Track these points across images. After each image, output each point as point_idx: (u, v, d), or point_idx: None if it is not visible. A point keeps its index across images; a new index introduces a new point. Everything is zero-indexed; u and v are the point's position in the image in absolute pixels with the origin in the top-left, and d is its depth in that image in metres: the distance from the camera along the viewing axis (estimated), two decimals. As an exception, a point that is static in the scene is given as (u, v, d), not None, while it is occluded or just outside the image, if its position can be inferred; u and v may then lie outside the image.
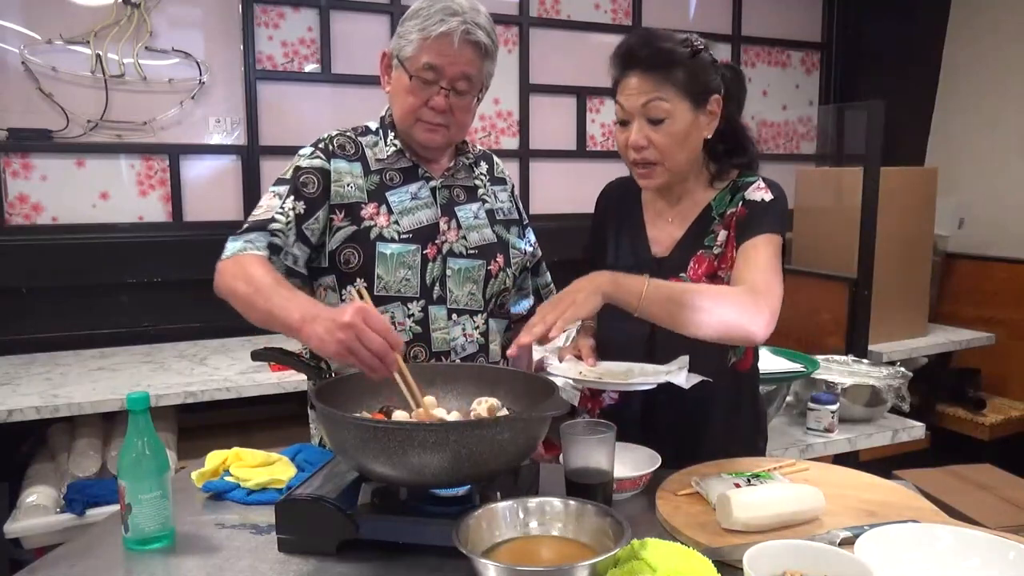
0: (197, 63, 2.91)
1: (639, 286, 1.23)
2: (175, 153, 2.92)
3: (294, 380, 2.39)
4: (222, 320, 2.80)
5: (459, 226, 1.49)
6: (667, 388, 1.25)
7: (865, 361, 2.46)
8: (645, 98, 1.31)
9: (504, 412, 1.17)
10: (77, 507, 2.16)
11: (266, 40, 3.03)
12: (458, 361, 1.46)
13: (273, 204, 1.38)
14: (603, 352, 1.43)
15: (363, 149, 1.47)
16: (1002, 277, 3.58)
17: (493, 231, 1.53)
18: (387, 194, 1.45)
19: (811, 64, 4.21)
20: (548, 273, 1.72)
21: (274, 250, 1.34)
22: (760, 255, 1.30)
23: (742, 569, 0.86)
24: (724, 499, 1.07)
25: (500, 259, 1.52)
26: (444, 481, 1.03)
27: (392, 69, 1.44)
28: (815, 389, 2.25)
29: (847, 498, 1.17)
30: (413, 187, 1.47)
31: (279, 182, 1.42)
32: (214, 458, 1.29)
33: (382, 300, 1.41)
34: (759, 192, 1.37)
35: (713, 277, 1.37)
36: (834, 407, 2.15)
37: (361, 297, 1.22)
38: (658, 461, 1.25)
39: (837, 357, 2.46)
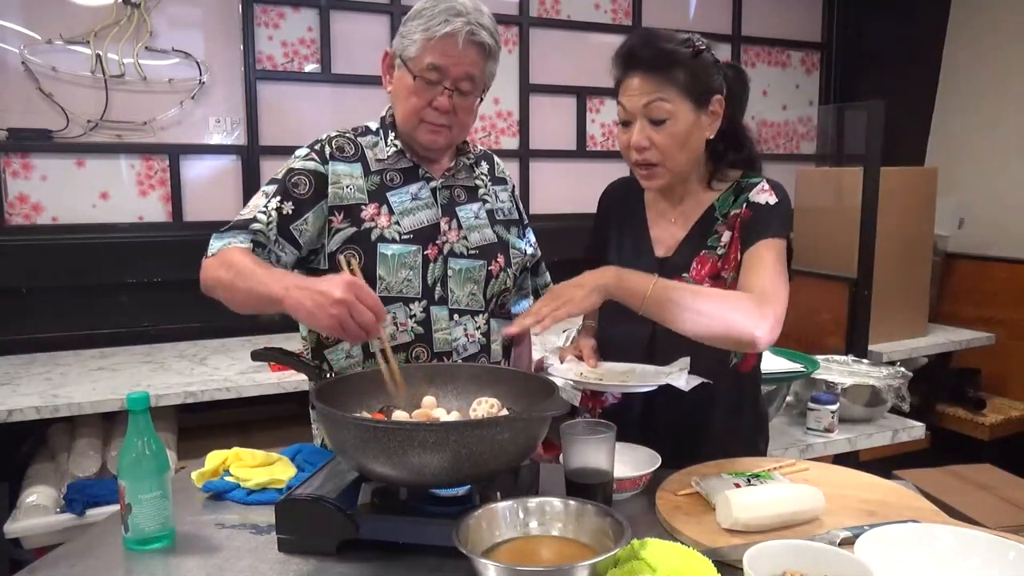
0: (197, 63, 2.91)
1: (644, 285, 1.23)
2: (175, 153, 2.92)
3: (294, 380, 2.38)
4: (222, 320, 2.81)
5: (460, 226, 1.48)
6: (668, 389, 1.25)
7: (865, 361, 2.46)
8: (647, 99, 1.31)
9: (504, 412, 1.17)
10: (77, 507, 2.15)
11: (266, 40, 3.03)
12: (459, 361, 1.45)
13: (258, 203, 1.39)
14: (604, 352, 1.43)
15: (363, 150, 1.47)
16: (1002, 277, 3.58)
17: (494, 231, 1.53)
18: (388, 195, 1.44)
19: (811, 64, 4.21)
20: (548, 273, 1.72)
21: (258, 247, 1.35)
22: (766, 260, 1.30)
23: (742, 569, 0.86)
24: (724, 499, 1.07)
25: (501, 259, 1.52)
26: (444, 481, 1.03)
27: (394, 69, 1.44)
28: (815, 389, 2.25)
29: (847, 498, 1.17)
30: (414, 187, 1.47)
31: (270, 182, 1.42)
32: (214, 458, 1.29)
33: (384, 301, 1.40)
34: (763, 195, 1.37)
35: (716, 278, 1.37)
36: (834, 407, 2.16)
37: (349, 266, 1.22)
38: (658, 461, 1.25)
39: (837, 357, 2.47)
